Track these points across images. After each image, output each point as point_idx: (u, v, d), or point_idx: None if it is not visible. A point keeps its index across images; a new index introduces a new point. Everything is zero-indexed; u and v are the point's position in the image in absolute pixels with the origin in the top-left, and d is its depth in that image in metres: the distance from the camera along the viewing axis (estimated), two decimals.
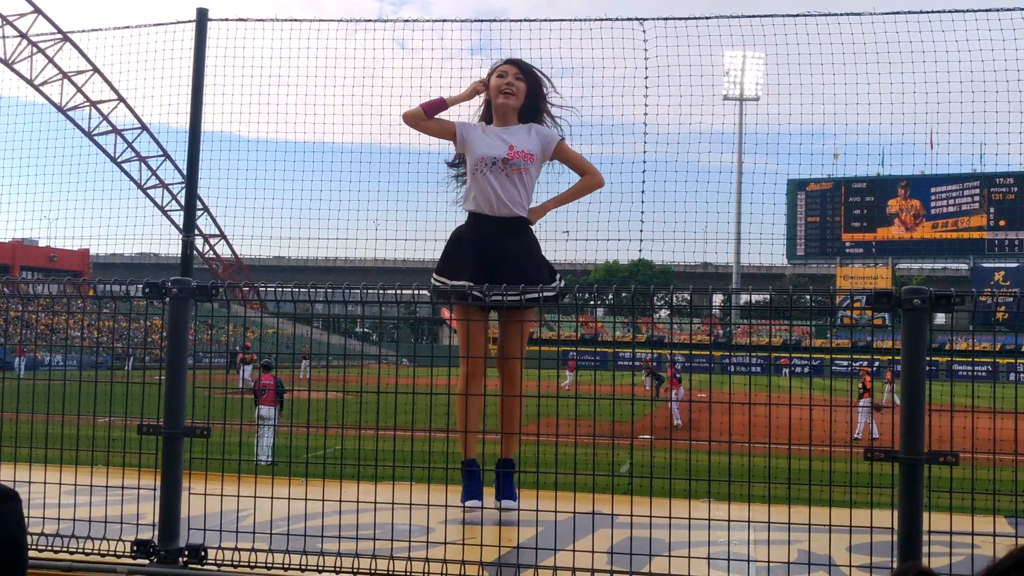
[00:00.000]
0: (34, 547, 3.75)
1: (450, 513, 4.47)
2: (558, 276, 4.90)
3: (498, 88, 4.94)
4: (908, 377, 3.43)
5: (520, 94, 4.94)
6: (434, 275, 4.85)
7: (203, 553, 3.72)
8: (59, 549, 3.79)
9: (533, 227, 5.00)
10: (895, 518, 3.50)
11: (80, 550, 3.79)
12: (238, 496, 3.86)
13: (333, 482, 4.50)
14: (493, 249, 4.69)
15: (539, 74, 5.05)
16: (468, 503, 4.70)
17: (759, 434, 3.75)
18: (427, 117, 4.92)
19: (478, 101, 5.16)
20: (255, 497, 3.76)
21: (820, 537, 3.77)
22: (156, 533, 3.80)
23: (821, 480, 3.69)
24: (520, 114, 5.00)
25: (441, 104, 4.91)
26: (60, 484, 4.03)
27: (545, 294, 4.67)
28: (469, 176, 4.95)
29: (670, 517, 3.67)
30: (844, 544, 3.85)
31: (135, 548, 3.75)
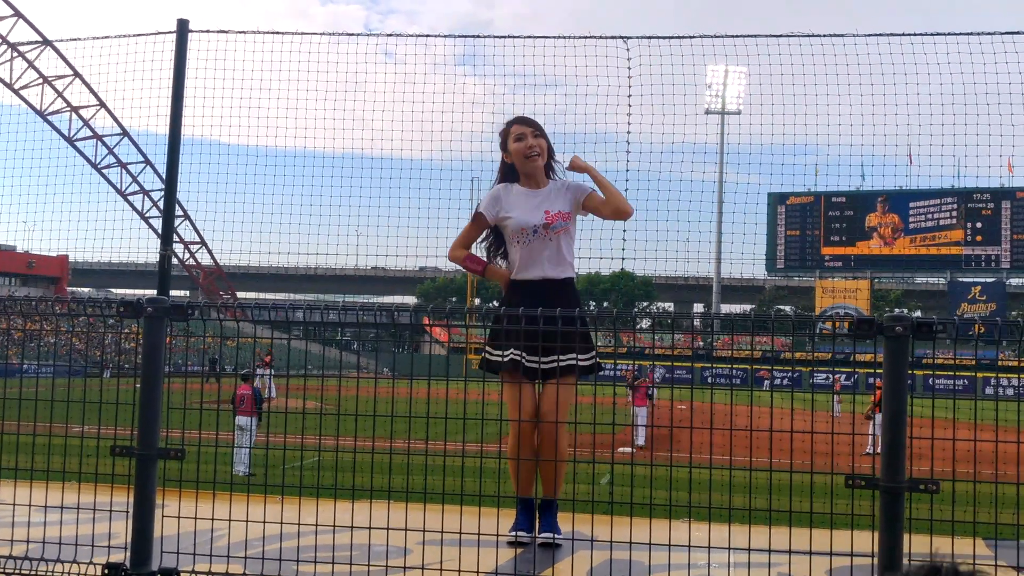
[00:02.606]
0: (1, 571, 3.67)
1: (428, 536, 4.42)
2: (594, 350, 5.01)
3: (522, 153, 5.01)
4: (890, 404, 3.42)
5: (544, 152, 5.04)
6: (487, 348, 4.94)
7: None
8: (27, 573, 3.72)
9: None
10: (875, 541, 3.49)
11: (49, 573, 3.71)
12: (212, 519, 3.80)
13: (310, 500, 4.44)
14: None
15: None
16: (518, 532, 4.68)
17: (741, 450, 3.73)
18: (464, 268, 5.19)
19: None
20: (229, 520, 3.71)
21: (800, 560, 3.75)
22: (128, 555, 3.73)
23: (802, 499, 3.67)
24: (546, 167, 5.10)
25: (480, 272, 5.10)
26: (30, 505, 3.95)
27: (582, 364, 4.80)
28: (511, 245, 5.03)
29: (650, 543, 3.63)
30: (824, 567, 3.84)
31: (106, 572, 3.68)
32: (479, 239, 5.20)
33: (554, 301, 4.83)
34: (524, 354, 4.72)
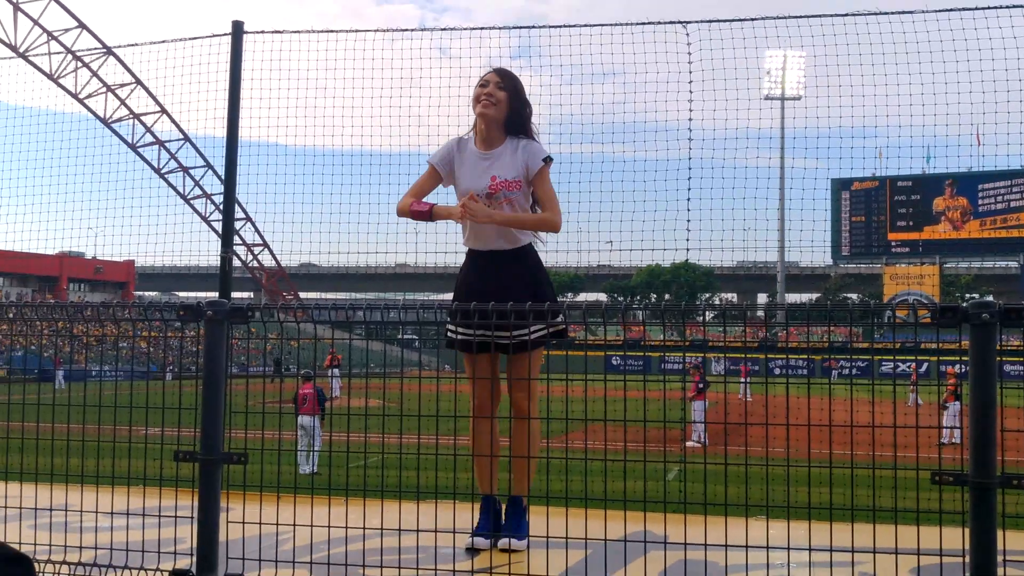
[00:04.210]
0: None
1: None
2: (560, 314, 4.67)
3: (474, 97, 4.61)
4: (977, 395, 3.24)
5: (501, 104, 4.58)
6: (448, 326, 4.65)
7: None
8: None
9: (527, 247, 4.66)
10: (965, 538, 3.31)
11: None
12: (277, 524, 3.76)
13: (375, 501, 4.38)
14: (491, 288, 4.40)
15: (522, 85, 4.71)
16: (475, 540, 4.40)
17: (815, 444, 3.56)
18: (412, 217, 4.60)
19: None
20: (294, 525, 3.66)
21: (885, 559, 3.57)
22: (194, 561, 3.70)
23: (882, 495, 3.50)
24: (507, 126, 4.64)
25: (427, 214, 4.51)
26: (97, 512, 3.94)
27: (536, 335, 4.44)
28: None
29: (726, 544, 3.49)
30: (910, 566, 3.66)
31: None
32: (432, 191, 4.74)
33: (505, 272, 4.54)
34: (478, 332, 4.36)
